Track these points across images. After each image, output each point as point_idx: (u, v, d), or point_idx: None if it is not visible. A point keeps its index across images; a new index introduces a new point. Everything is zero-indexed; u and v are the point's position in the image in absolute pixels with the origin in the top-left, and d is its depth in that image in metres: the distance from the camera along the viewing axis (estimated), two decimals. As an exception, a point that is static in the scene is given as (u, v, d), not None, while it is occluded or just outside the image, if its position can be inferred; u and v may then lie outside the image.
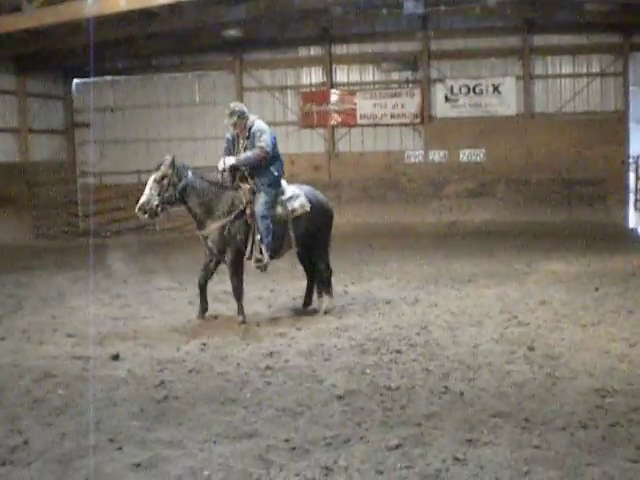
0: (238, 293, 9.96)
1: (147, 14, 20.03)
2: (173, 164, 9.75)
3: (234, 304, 10.05)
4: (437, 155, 23.71)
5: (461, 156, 23.55)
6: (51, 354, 8.55)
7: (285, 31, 23.72)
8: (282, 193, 10.07)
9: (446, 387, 6.96)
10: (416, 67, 23.85)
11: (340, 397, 6.72)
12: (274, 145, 9.98)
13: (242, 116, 9.89)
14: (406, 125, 24.01)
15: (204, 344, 8.76)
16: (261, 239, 9.78)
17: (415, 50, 23.86)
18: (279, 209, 9.99)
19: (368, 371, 7.55)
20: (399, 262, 15.06)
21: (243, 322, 9.79)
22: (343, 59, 24.50)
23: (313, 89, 24.71)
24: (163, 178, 9.73)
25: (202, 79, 25.40)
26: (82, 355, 8.42)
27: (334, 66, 24.53)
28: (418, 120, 23.83)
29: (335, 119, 24.36)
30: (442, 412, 6.30)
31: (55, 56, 23.67)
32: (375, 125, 24.17)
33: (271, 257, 9.97)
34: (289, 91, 24.94)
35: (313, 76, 24.86)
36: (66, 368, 7.95)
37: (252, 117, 10.05)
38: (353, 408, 6.43)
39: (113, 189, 23.63)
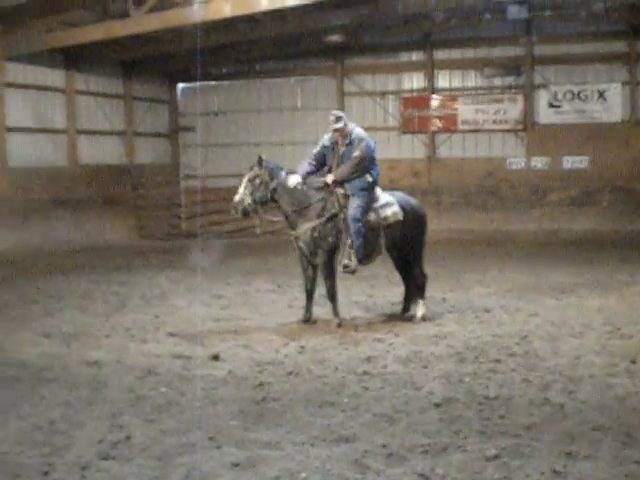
0: (332, 294, 10.01)
1: (251, 20, 20.32)
2: (263, 164, 9.89)
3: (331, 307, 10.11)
4: (539, 162, 23.36)
5: (564, 163, 23.15)
6: (153, 352, 8.75)
7: (387, 36, 23.72)
8: (376, 200, 10.03)
9: (546, 398, 6.85)
10: (519, 72, 23.56)
11: (438, 405, 6.68)
12: (371, 152, 9.99)
13: (344, 122, 9.94)
14: (508, 131, 23.73)
15: (302, 347, 8.84)
16: (351, 244, 9.80)
17: (518, 55, 23.57)
18: (372, 215, 9.95)
19: (466, 379, 7.48)
20: (499, 270, 14.87)
21: (339, 324, 9.85)
22: (445, 64, 24.36)
23: (414, 94, 24.65)
24: (255, 178, 9.87)
25: (304, 84, 25.62)
26: (183, 354, 8.59)
27: (435, 71, 24.43)
28: (520, 126, 23.53)
29: (436, 124, 24.25)
30: (541, 424, 6.19)
31: (161, 61, 24.24)
32: (476, 131, 23.97)
33: (360, 262, 9.98)
34: (390, 96, 24.94)
35: (414, 81, 24.80)
36: (168, 366, 8.13)
37: (351, 124, 10.09)
38: (451, 416, 6.39)
39: (215, 192, 24.01)
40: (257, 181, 9.88)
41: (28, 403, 6.95)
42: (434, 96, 24.29)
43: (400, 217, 10.08)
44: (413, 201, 10.62)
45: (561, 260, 16.37)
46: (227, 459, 5.49)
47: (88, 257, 18.02)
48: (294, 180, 9.86)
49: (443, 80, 24.51)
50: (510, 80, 23.76)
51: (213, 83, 26.33)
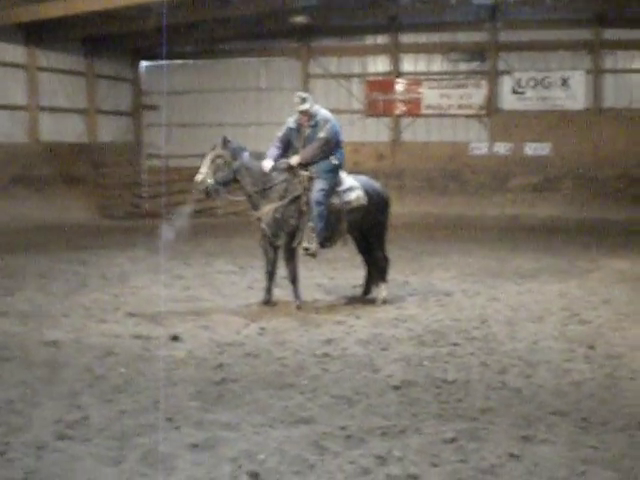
0: (293, 277, 10.00)
1: (217, -1, 20.20)
2: (227, 144, 9.84)
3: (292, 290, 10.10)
4: (502, 148, 23.52)
5: (526, 150, 23.32)
6: (113, 332, 8.69)
7: (353, 18, 23.69)
8: (340, 183, 10.02)
9: (503, 382, 6.91)
10: (483, 58, 23.67)
11: (396, 387, 6.71)
12: (337, 134, 9.97)
13: (309, 103, 9.91)
14: (472, 116, 23.84)
15: (263, 328, 8.83)
16: (313, 226, 9.80)
17: (483, 41, 23.67)
18: (335, 199, 9.93)
19: (425, 363, 7.52)
20: (460, 254, 14.96)
21: (299, 306, 9.86)
22: (410, 48, 24.39)
23: (379, 78, 24.65)
24: (218, 158, 9.81)
25: (269, 65, 25.53)
26: (143, 334, 8.53)
27: (401, 55, 24.45)
28: (484, 112, 23.65)
29: (400, 108, 24.28)
30: (498, 407, 6.25)
31: (124, 38, 24.00)
32: (440, 115, 24.06)
33: (322, 245, 9.98)
34: (355, 79, 24.94)
35: (379, 64, 24.82)
36: (127, 347, 8.08)
37: (316, 106, 10.05)
38: (409, 399, 6.42)
39: (179, 172, 23.85)
40: (219, 161, 9.80)
41: (-16, 382, 6.88)
42: (399, 80, 24.32)
43: (363, 202, 10.07)
44: (377, 185, 10.61)
45: (522, 246, 16.51)
46: (186, 440, 5.48)
47: (48, 236, 17.83)
48: (267, 165, 9.85)
49: (408, 64, 24.55)
50: (474, 65, 23.86)
51: (177, 62, 26.13)
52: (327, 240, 10.03)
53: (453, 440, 5.51)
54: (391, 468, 5.09)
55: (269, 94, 25.39)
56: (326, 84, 24.95)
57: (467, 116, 23.88)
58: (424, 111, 24.08)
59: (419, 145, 24.25)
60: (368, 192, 10.18)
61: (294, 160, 9.89)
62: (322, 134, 9.80)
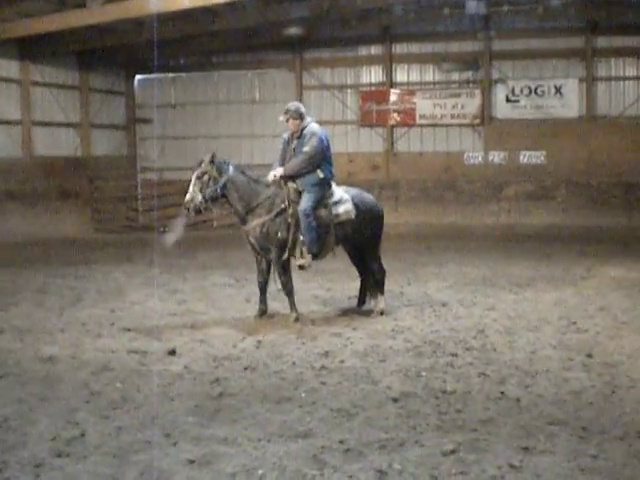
0: (287, 290, 9.99)
1: (209, 12, 20.20)
2: (213, 160, 9.86)
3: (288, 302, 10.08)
4: (497, 157, 23.54)
5: (521, 158, 23.35)
6: (109, 347, 8.66)
7: (346, 30, 23.71)
8: (330, 196, 9.99)
9: (502, 392, 6.88)
10: (477, 67, 23.70)
11: (395, 400, 6.68)
12: (326, 148, 9.92)
13: (295, 116, 9.89)
14: (466, 126, 23.86)
15: (259, 342, 8.80)
16: (303, 240, 9.80)
17: (476, 50, 23.69)
18: (323, 212, 9.90)
19: (423, 374, 7.49)
20: (456, 264, 14.96)
21: (296, 319, 9.84)
22: (403, 58, 24.42)
23: (373, 88, 24.68)
24: (204, 175, 9.84)
25: (262, 77, 25.53)
26: (139, 349, 8.50)
27: (394, 65, 24.48)
28: (478, 121, 23.67)
29: (394, 119, 24.29)
30: (498, 418, 6.22)
31: (118, 52, 23.99)
32: (434, 125, 24.07)
33: (314, 258, 9.97)
34: (349, 90, 24.95)
35: (373, 75, 24.83)
36: (123, 362, 8.05)
37: (309, 119, 10.01)
38: (408, 411, 6.39)
39: (173, 185, 23.83)
40: (205, 178, 9.85)
41: (-20, 400, 6.84)
42: (392, 90, 24.34)
43: (352, 215, 10.03)
44: (369, 198, 10.53)
45: (518, 254, 16.52)
46: (183, 456, 5.44)
47: (43, 251, 17.81)
48: (279, 172, 9.91)
49: (401, 74, 24.56)
50: (468, 75, 23.89)
51: (171, 75, 26.12)
52: (318, 252, 10.00)
53: (453, 452, 5.48)
54: (391, 481, 5.06)
55: (263, 106, 25.36)
56: (320, 95, 24.97)
57: (461, 125, 23.89)
58: (418, 121, 24.09)
59: (413, 155, 24.25)
60: (358, 206, 10.12)
61: (278, 172, 9.91)
62: (306, 148, 9.79)
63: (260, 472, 5.16)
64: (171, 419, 6.22)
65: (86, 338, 9.11)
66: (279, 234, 9.80)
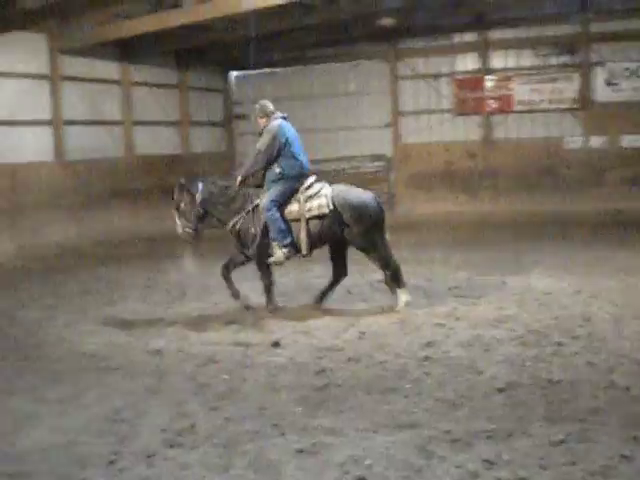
0: (264, 285, 10.27)
1: (303, 6, 20.24)
2: (181, 188, 10.33)
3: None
4: (598, 141, 22.96)
5: (623, 142, 22.71)
6: (214, 340, 8.83)
7: (439, 18, 23.44)
8: (303, 190, 9.99)
9: (611, 382, 6.75)
10: (575, 51, 23.14)
11: (501, 390, 6.63)
12: (286, 144, 9.97)
13: (261, 114, 10.22)
14: (565, 110, 23.34)
15: (362, 333, 8.83)
16: (271, 235, 9.94)
17: (573, 33, 23.09)
18: (294, 206, 9.94)
19: (529, 363, 7.40)
20: (559, 251, 14.65)
21: (271, 311, 10.07)
22: (498, 44, 24.01)
23: (468, 76, 24.37)
24: (180, 204, 10.34)
25: (357, 69, 25.47)
26: (244, 342, 8.65)
27: (489, 52, 24.09)
28: (577, 105, 23.13)
29: (491, 106, 23.96)
30: (607, 407, 6.11)
31: (214, 50, 24.29)
32: (532, 111, 23.60)
33: (290, 253, 10.00)
34: (443, 78, 24.67)
35: (468, 62, 24.49)
36: (229, 354, 8.19)
37: (276, 117, 10.22)
38: (514, 401, 6.33)
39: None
40: (182, 206, 10.34)
41: (92, 392, 7.07)
42: (488, 77, 23.99)
43: (325, 210, 9.90)
44: (355, 195, 10.09)
45: (622, 241, 16.08)
46: (292, 446, 5.52)
47: (147, 247, 18.20)
48: (239, 178, 10.28)
49: (497, 61, 24.17)
50: (565, 59, 23.35)
51: (266, 70, 26.35)
52: (293, 247, 10.02)
53: (562, 442, 5.41)
54: (500, 472, 5.02)
55: (358, 98, 25.37)
56: (415, 85, 24.80)
57: (560, 110, 23.38)
58: (515, 107, 23.67)
59: (511, 142, 23.84)
60: (337, 201, 9.90)
61: (238, 178, 10.21)
62: (257, 145, 10.09)
63: (368, 462, 5.19)
64: (278, 410, 6.31)
65: (192, 331, 9.30)
66: (251, 231, 10.06)
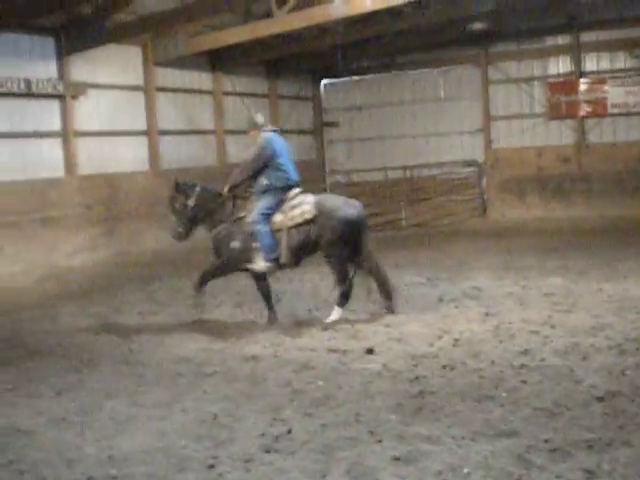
0: (263, 295, 10.52)
1: (392, 12, 20.25)
2: (177, 188, 10.54)
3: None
4: (696, 144, 22.33)
5: None
6: (309, 346, 8.90)
7: (531, 21, 23.16)
8: (288, 201, 10.14)
9: None
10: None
11: (600, 399, 6.50)
12: (273, 156, 10.13)
13: (250, 127, 10.47)
14: (661, 113, 22.78)
15: (456, 340, 8.79)
16: (256, 246, 10.04)
17: (669, 33, 22.57)
18: (279, 217, 10.08)
19: (628, 372, 7.24)
20: (657, 258, 14.31)
21: (270, 319, 10.27)
22: (592, 47, 23.58)
23: (561, 79, 24.00)
24: (174, 203, 10.58)
25: (447, 74, 25.36)
26: (338, 348, 8.69)
27: (582, 54, 23.68)
28: (675, 107, 22.54)
29: (585, 109, 23.53)
30: None
31: (304, 58, 24.48)
32: (628, 114, 23.11)
33: (279, 264, 10.15)
34: (536, 82, 24.36)
35: (560, 65, 24.14)
36: (323, 360, 8.24)
37: (267, 128, 10.51)
38: (614, 410, 6.20)
39: (361, 186, 24.20)
40: (177, 205, 10.58)
41: (190, 397, 7.20)
42: (582, 80, 23.58)
43: (308, 216, 10.00)
44: (333, 202, 10.27)
45: None
46: (388, 453, 5.52)
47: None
48: (226, 188, 10.52)
49: (590, 63, 23.74)
50: (661, 60, 22.82)
51: (355, 78, 26.43)
52: (276, 262, 10.14)
53: (665, 453, 5.29)
54: (601, 482, 4.94)
55: (448, 104, 25.25)
56: (506, 89, 24.54)
57: (656, 113, 22.84)
58: (610, 110, 23.21)
59: (606, 146, 23.36)
60: (317, 208, 10.03)
61: (226, 188, 10.40)
62: (244, 155, 10.46)
63: (466, 470, 5.16)
64: (373, 417, 6.32)
65: (286, 337, 9.39)
66: (231, 244, 10.25)
